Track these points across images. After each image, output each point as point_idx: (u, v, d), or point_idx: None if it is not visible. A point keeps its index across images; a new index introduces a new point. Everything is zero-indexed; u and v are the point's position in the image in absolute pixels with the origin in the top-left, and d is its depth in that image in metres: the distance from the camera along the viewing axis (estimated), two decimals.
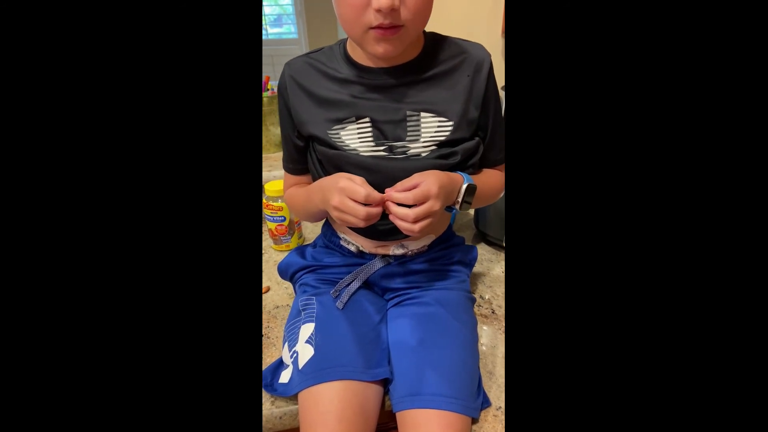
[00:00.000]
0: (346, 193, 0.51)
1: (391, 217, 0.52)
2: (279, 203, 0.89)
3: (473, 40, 0.61)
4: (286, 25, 3.49)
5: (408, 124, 0.57)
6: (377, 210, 0.51)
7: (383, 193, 0.52)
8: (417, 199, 0.50)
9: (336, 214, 0.53)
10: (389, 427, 0.62)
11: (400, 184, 0.52)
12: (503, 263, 0.88)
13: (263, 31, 3.30)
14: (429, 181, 0.51)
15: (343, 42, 0.60)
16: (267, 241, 0.97)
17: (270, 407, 0.57)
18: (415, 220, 0.51)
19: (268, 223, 0.92)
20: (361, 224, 0.51)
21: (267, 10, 3.38)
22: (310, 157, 0.63)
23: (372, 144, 0.58)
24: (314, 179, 0.64)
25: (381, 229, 0.61)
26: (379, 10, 0.47)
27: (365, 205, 0.51)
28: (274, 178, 1.00)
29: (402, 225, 0.52)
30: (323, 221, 0.73)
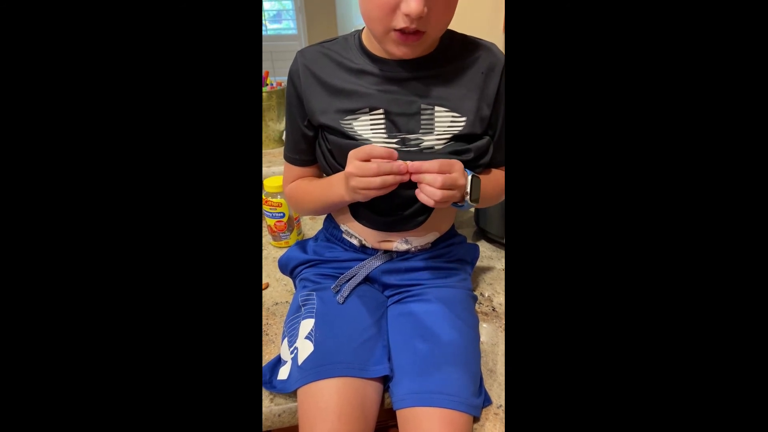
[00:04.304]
0: (356, 156, 0.51)
1: (414, 178, 0.51)
2: (278, 199, 0.88)
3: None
4: (285, 21, 3.48)
5: (422, 117, 0.57)
6: (393, 176, 0.50)
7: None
8: (443, 167, 0.50)
9: (353, 183, 0.52)
10: (389, 425, 0.62)
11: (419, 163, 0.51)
12: (503, 261, 0.88)
13: (263, 27, 3.29)
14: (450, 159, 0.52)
15: (358, 33, 0.60)
16: (265, 238, 0.96)
17: (269, 404, 0.57)
18: (441, 187, 0.50)
19: (267, 219, 0.91)
20: (377, 183, 0.50)
21: (267, 6, 3.37)
22: (319, 147, 0.63)
23: (384, 135, 0.57)
24: (323, 170, 0.64)
25: (390, 216, 0.61)
26: (408, 15, 0.48)
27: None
28: (273, 174, 0.99)
29: (427, 190, 0.50)
30: (325, 215, 0.72)
